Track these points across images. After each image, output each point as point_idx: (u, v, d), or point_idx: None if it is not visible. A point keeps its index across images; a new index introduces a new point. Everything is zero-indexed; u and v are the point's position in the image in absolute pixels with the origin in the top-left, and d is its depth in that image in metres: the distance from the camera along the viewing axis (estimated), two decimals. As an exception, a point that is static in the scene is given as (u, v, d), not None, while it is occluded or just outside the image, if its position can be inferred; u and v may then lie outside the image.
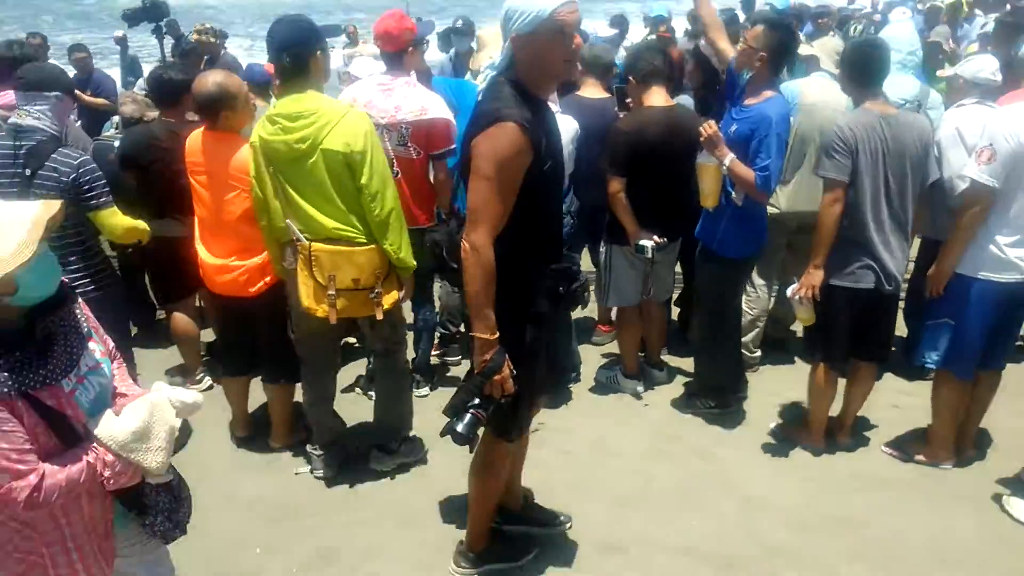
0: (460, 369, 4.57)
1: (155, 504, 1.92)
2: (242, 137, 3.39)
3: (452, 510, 3.34)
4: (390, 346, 3.52)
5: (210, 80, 3.33)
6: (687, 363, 4.58)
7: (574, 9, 2.33)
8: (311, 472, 3.60)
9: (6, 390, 1.62)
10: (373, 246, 3.11)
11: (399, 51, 3.82)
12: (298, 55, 3.01)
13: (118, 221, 3.29)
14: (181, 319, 4.13)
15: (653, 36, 7.54)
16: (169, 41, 7.88)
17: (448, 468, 3.57)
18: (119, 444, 1.77)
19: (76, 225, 3.22)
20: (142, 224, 3.44)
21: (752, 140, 3.53)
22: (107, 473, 1.77)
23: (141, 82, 6.46)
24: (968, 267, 3.27)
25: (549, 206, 2.57)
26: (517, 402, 2.60)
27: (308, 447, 3.64)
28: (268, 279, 3.44)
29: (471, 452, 2.63)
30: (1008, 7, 8.65)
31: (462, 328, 4.66)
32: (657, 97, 3.99)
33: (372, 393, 4.23)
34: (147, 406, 1.83)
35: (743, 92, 3.69)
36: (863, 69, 3.43)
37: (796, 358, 4.72)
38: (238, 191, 3.36)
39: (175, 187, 3.68)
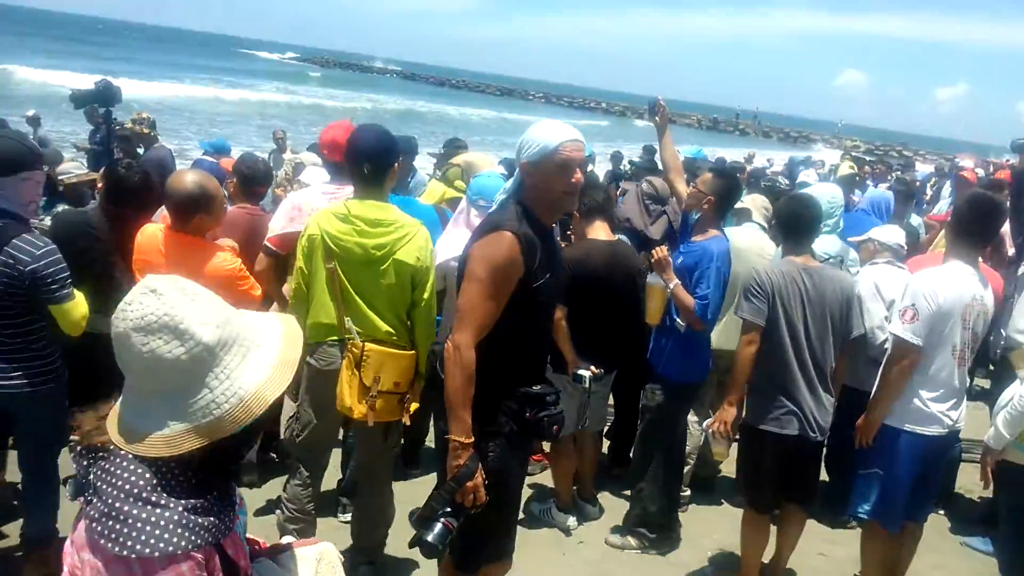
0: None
1: None
2: (209, 242, 3.27)
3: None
4: (390, 455, 3.49)
5: (189, 179, 3.20)
6: (615, 500, 4.55)
7: (579, 148, 2.50)
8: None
9: (210, 539, 1.29)
10: (413, 352, 3.19)
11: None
12: (379, 164, 3.11)
13: (80, 313, 3.01)
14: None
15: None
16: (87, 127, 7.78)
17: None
18: None
19: (30, 312, 2.99)
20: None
21: (695, 271, 3.75)
22: None
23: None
24: (895, 419, 3.41)
25: (533, 327, 2.59)
26: (481, 527, 2.49)
27: None
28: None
29: (440, 564, 2.47)
30: (892, 177, 9.63)
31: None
32: (600, 231, 4.16)
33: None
34: (313, 562, 1.56)
35: (691, 230, 3.94)
36: (795, 225, 3.67)
37: (723, 500, 4.75)
38: None
39: (106, 280, 3.46)
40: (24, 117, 10.33)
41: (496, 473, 2.49)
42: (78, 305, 3.05)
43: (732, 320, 4.32)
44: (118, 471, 1.27)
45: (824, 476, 4.48)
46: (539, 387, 2.58)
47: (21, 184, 3.00)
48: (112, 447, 1.30)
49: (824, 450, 3.85)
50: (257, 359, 1.33)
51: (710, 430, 3.60)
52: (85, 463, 1.32)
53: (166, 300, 1.26)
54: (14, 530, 3.54)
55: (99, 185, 4.21)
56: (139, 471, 1.27)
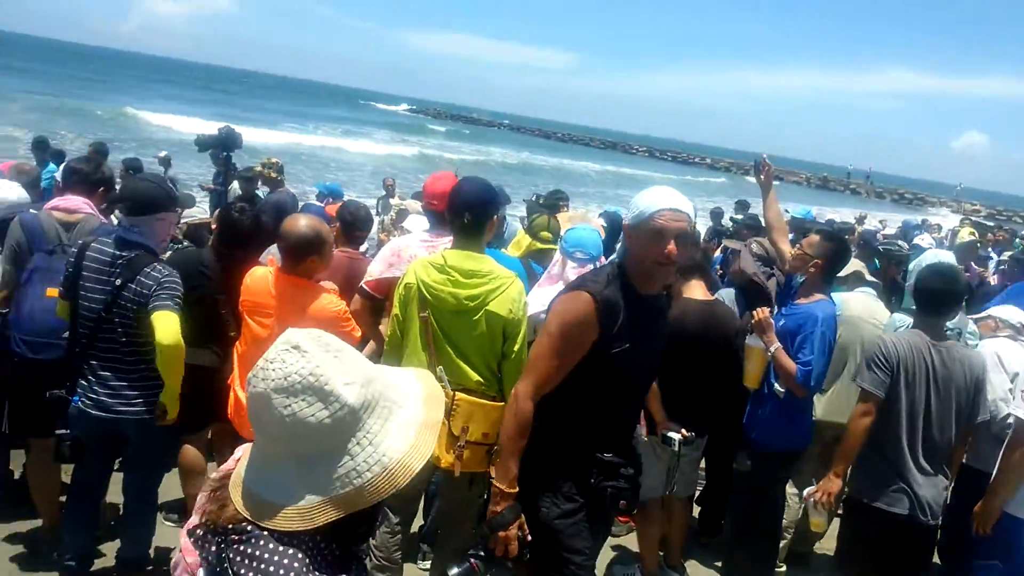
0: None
1: None
2: (316, 284, 3.39)
3: None
4: (475, 505, 3.39)
5: (303, 223, 3.33)
6: (704, 570, 4.35)
7: (678, 218, 2.42)
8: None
9: None
10: (503, 404, 3.13)
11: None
12: (479, 215, 3.12)
13: (173, 326, 3.09)
14: (191, 451, 3.91)
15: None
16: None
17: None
18: None
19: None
20: (178, 363, 3.19)
21: (798, 335, 3.60)
22: None
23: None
24: (1017, 507, 3.15)
25: (606, 393, 2.52)
26: None
27: None
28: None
29: None
30: (1019, 244, 9.06)
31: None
32: (697, 290, 4.06)
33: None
34: None
35: (795, 293, 3.81)
36: (936, 301, 3.42)
37: (820, 579, 4.47)
38: None
39: (213, 317, 3.64)
40: (156, 158, 11.09)
41: (548, 531, 2.46)
42: (173, 319, 3.12)
43: (841, 391, 4.13)
44: (266, 555, 1.13)
45: (936, 559, 4.16)
46: (611, 456, 2.51)
47: (156, 223, 3.29)
48: (247, 527, 1.16)
49: (938, 533, 3.56)
50: (400, 422, 1.20)
51: (811, 499, 3.42)
52: (214, 548, 1.18)
53: (311, 358, 1.15)
54: (111, 549, 3.68)
55: (213, 227, 4.45)
56: (289, 551, 1.14)
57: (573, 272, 3.65)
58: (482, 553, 2.41)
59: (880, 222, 17.95)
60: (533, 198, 8.23)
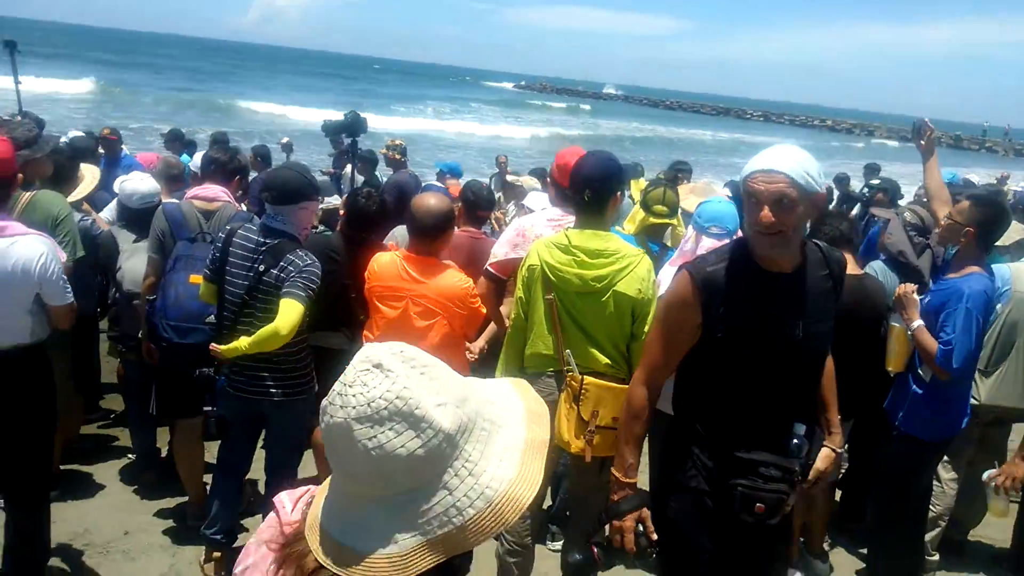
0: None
1: None
2: (443, 262, 3.41)
3: None
4: (606, 490, 3.37)
5: (433, 202, 3.37)
6: (848, 557, 4.12)
7: (771, 180, 2.09)
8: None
9: None
10: None
11: None
12: (600, 191, 3.01)
13: (294, 317, 3.11)
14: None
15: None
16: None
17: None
18: None
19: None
20: (270, 347, 3.17)
21: (942, 313, 3.32)
22: None
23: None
24: None
25: (729, 380, 2.27)
26: None
27: None
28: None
29: None
30: None
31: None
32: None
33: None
34: None
35: (947, 266, 3.52)
36: None
37: (982, 571, 4.12)
38: (439, 317, 3.34)
39: (342, 301, 3.71)
40: (279, 144, 11.48)
41: (673, 527, 2.34)
42: (299, 311, 3.14)
43: (1009, 372, 3.78)
44: None
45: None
46: (744, 452, 2.25)
47: (299, 211, 3.35)
48: None
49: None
50: (502, 446, 1.03)
51: (991, 484, 3.19)
52: None
53: (396, 378, 0.96)
54: (253, 524, 3.83)
55: (342, 212, 4.55)
56: None
57: (707, 249, 3.47)
58: (603, 544, 2.36)
59: (1025, 182, 16.53)
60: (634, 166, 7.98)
